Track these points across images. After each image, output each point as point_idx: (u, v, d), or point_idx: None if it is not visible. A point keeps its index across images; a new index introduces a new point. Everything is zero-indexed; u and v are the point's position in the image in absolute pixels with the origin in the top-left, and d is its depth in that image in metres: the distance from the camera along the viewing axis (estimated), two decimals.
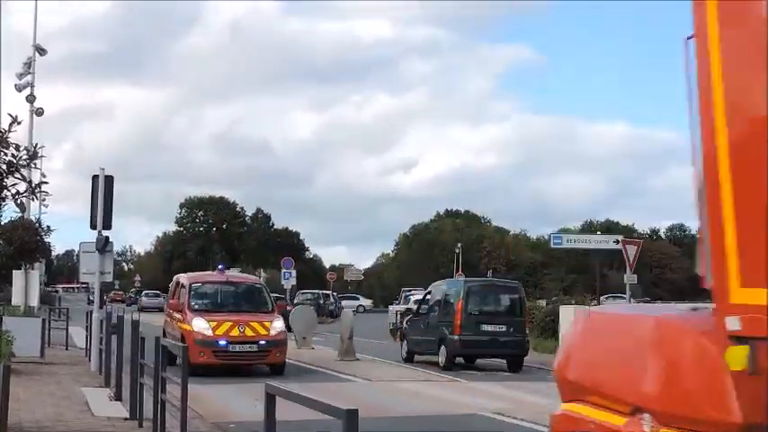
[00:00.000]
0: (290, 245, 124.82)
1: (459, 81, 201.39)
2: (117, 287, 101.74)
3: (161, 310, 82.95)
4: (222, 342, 21.58)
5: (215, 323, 21.72)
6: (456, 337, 25.44)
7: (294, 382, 19.05)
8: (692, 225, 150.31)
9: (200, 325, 21.73)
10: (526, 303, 29.41)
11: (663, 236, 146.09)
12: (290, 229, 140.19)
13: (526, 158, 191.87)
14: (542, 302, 53.64)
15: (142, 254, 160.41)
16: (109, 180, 20.89)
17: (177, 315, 23.21)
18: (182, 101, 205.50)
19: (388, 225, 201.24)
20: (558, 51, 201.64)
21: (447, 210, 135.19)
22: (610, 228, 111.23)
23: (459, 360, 26.52)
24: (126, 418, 13.29)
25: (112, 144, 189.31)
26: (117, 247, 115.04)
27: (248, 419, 14.02)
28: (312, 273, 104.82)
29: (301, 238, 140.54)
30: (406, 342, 28.66)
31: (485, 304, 27.02)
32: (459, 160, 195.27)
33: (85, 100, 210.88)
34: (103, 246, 20.94)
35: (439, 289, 28.71)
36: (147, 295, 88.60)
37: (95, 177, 20.81)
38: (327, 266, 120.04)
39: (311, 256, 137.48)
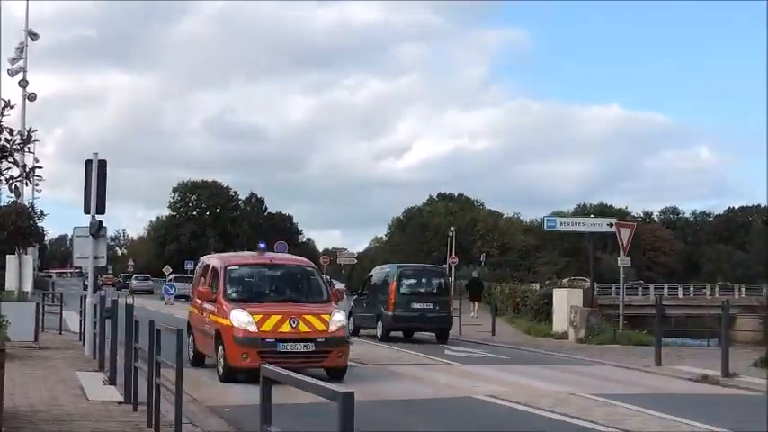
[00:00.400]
0: (284, 229, 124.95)
1: (453, 66, 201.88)
2: (110, 272, 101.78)
3: (151, 292, 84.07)
4: (270, 340, 16.93)
5: (260, 316, 17.17)
6: (390, 313, 29.74)
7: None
8: (686, 207, 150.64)
9: (242, 318, 17.16)
10: (450, 285, 35.05)
11: (656, 219, 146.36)
12: (284, 212, 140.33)
13: (519, 142, 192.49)
14: (535, 286, 53.74)
15: (135, 238, 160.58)
16: (102, 165, 20.82)
17: (209, 306, 18.61)
18: (174, 86, 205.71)
19: (382, 209, 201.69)
20: (552, 36, 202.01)
21: (440, 193, 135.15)
22: (603, 211, 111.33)
23: (398, 334, 30.51)
24: (120, 402, 13.27)
25: (105, 129, 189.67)
26: (110, 232, 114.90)
27: (244, 403, 14.04)
28: (305, 256, 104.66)
29: (295, 221, 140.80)
30: (352, 318, 31.78)
31: (415, 286, 31.17)
32: (452, 144, 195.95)
33: (77, 85, 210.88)
34: (97, 230, 20.90)
35: (379, 273, 33.08)
36: (137, 278, 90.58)
37: (89, 162, 20.75)
38: (321, 250, 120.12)
39: (304, 240, 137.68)
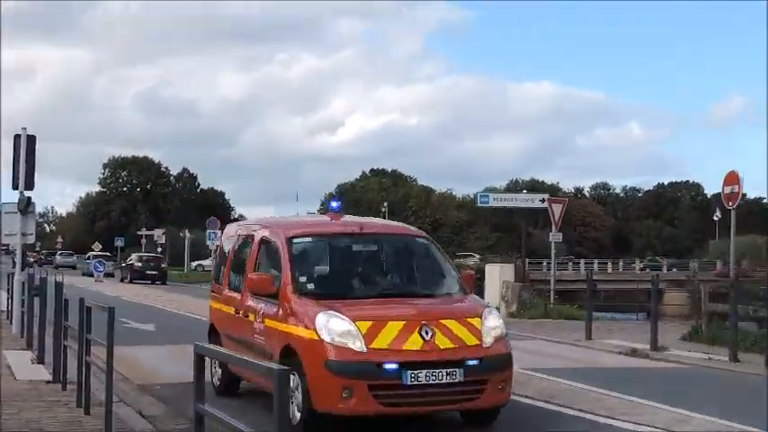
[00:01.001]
0: (216, 205, 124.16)
1: (388, 42, 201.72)
2: (37, 248, 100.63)
3: (74, 268, 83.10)
4: (390, 366, 9.95)
5: (369, 323, 10.15)
6: None
7: None
8: (616, 183, 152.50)
9: (337, 327, 10.12)
10: None
11: (587, 194, 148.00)
12: (216, 188, 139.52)
13: (453, 118, 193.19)
14: (467, 261, 54.11)
15: (64, 215, 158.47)
16: (31, 140, 20.46)
17: (263, 305, 11.44)
18: (106, 61, 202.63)
19: (315, 184, 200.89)
20: (487, 12, 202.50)
21: (373, 169, 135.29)
22: (535, 187, 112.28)
23: None
24: (49, 381, 13.10)
25: (34, 103, 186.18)
26: (39, 208, 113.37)
27: (176, 380, 13.93)
28: None
29: (227, 197, 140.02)
30: None
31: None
32: (385, 120, 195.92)
33: (5, 59, 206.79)
34: (25, 207, 20.54)
35: None
36: (61, 254, 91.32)
37: (17, 137, 20.39)
38: None
39: (237, 216, 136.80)
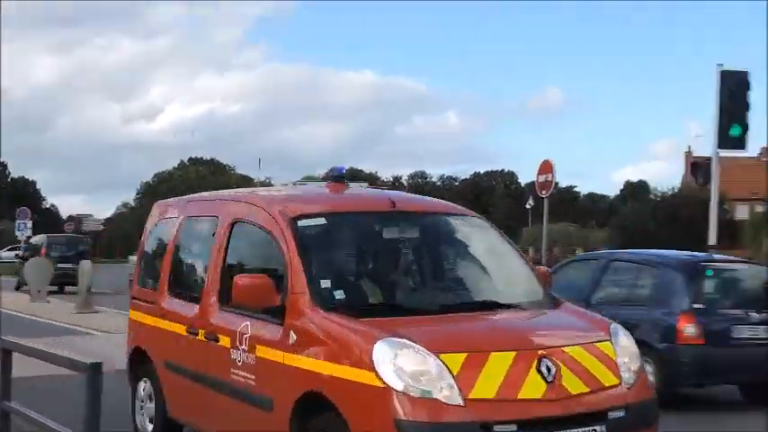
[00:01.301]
0: (27, 194, 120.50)
1: (209, 28, 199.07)
2: None
3: None
4: (507, 428, 5.91)
5: (463, 358, 6.08)
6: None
7: (32, 337, 18.20)
8: (434, 172, 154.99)
9: (412, 366, 6.01)
10: (89, 249, 43.05)
11: (405, 183, 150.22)
12: (28, 177, 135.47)
13: (272, 106, 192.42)
14: None
15: None
16: None
17: (256, 326, 7.12)
18: None
19: (131, 173, 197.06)
20: (310, 1, 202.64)
21: (191, 157, 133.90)
22: (354, 175, 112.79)
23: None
24: None
25: None
26: None
27: None
28: (50, 223, 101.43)
29: (38, 187, 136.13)
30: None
31: (60, 251, 40.90)
32: (204, 108, 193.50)
33: None
34: None
35: (36, 240, 43.56)
36: None
37: None
38: (65, 217, 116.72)
39: (48, 206, 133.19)
